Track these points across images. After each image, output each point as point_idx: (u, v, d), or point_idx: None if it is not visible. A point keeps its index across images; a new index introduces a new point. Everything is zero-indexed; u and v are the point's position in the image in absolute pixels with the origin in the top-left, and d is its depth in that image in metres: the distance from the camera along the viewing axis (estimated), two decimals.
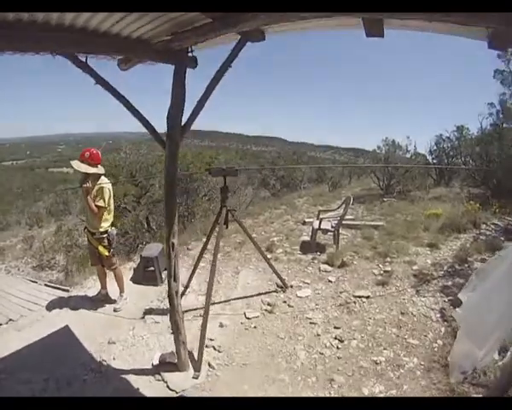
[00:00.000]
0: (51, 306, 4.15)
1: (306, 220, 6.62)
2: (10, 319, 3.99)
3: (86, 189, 3.60)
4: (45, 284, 5.15)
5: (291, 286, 4.21)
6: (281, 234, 5.98)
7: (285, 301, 3.93)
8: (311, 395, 2.62)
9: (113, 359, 3.16)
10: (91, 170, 3.59)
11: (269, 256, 4.66)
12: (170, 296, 2.79)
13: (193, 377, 2.87)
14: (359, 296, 3.89)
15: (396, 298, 3.83)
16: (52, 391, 2.78)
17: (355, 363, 2.93)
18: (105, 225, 3.73)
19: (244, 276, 4.56)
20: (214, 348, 3.23)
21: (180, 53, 2.38)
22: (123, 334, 3.52)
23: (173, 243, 2.69)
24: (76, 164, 3.61)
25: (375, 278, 4.28)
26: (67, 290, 4.63)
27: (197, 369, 2.93)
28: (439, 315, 3.45)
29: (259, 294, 4.09)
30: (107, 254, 3.74)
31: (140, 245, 7.03)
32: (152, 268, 4.47)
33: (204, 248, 4.00)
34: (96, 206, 3.58)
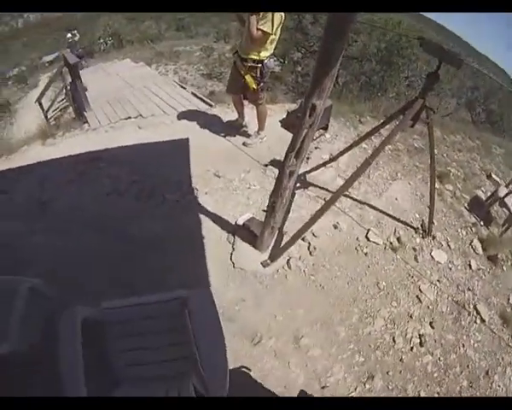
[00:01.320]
0: (185, 115, 4.22)
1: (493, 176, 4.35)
2: (140, 115, 4.29)
3: None
4: (192, 93, 5.27)
5: (433, 237, 2.94)
6: (461, 170, 4.11)
7: (414, 249, 2.80)
8: None
9: (205, 193, 3.01)
10: None
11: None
12: (280, 174, 2.06)
13: (261, 263, 2.45)
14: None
15: None
16: (128, 197, 2.93)
17: None
18: (263, 54, 3.06)
19: (397, 189, 3.38)
20: (308, 248, 2.63)
21: None
22: (234, 172, 3.27)
23: (314, 105, 1.72)
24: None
25: None
26: (210, 106, 4.60)
27: (272, 258, 2.47)
28: None
29: (397, 220, 3.01)
30: (254, 86, 3.16)
31: None
32: None
33: (376, 130, 2.87)
34: (258, 29, 2.84)
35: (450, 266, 2.79)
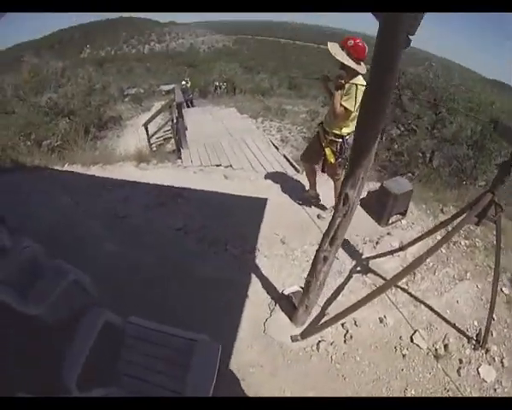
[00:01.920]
0: (271, 176, 4.58)
1: None
2: (230, 165, 4.85)
3: (339, 81, 2.97)
4: (283, 155, 5.76)
5: (486, 350, 2.44)
6: None
7: (460, 361, 2.38)
8: None
9: (265, 256, 3.16)
10: (351, 63, 2.87)
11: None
12: (315, 257, 2.14)
13: (291, 336, 2.48)
14: None
15: None
16: (193, 238, 3.35)
17: None
18: (345, 130, 3.17)
19: (462, 290, 2.98)
20: (344, 335, 2.53)
21: None
22: (299, 242, 3.33)
23: (347, 195, 1.82)
24: (334, 48, 2.92)
25: None
26: (297, 171, 4.92)
27: (304, 335, 2.47)
28: None
29: (451, 325, 2.65)
30: (332, 160, 3.30)
31: (403, 174, 5.82)
32: (385, 202, 3.64)
33: (446, 223, 2.69)
34: (341, 105, 2.96)
35: (496, 386, 2.28)
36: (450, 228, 2.56)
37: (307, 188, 4.06)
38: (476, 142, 5.83)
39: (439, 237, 3.30)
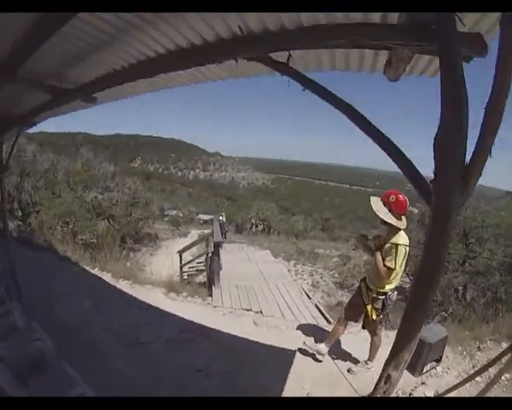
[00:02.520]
0: (301, 327, 4.41)
1: None
2: (260, 311, 4.78)
3: (378, 242, 3.05)
4: (315, 305, 5.64)
5: None
6: None
7: None
8: None
9: None
10: (392, 220, 2.94)
11: None
12: None
13: None
14: None
15: None
16: (213, 381, 3.16)
17: None
18: (388, 287, 3.13)
19: None
20: None
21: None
22: (327, 395, 3.05)
23: (389, 375, 1.62)
24: (377, 204, 3.01)
25: None
26: (329, 322, 4.77)
27: None
28: None
29: None
30: (374, 317, 3.20)
31: (436, 314, 5.50)
32: (420, 352, 3.36)
33: (489, 365, 2.29)
34: (384, 265, 2.96)
35: None
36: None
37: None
38: (508, 266, 5.50)
39: (478, 378, 3.01)
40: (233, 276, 7.18)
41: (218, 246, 6.81)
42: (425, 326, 3.65)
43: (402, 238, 2.96)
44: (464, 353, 3.83)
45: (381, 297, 3.13)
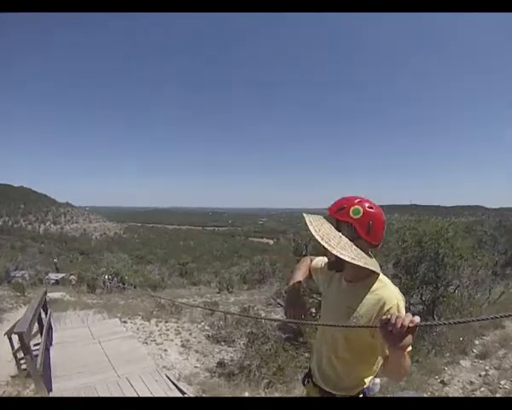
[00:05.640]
0: None
1: None
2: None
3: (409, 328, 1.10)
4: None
5: None
6: None
7: None
8: None
9: None
10: (360, 258, 1.30)
11: None
12: None
13: None
14: None
15: None
16: None
17: None
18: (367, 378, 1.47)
19: None
20: None
21: None
22: None
23: None
24: (320, 224, 1.37)
25: None
26: None
27: None
28: None
29: None
30: None
31: None
32: None
33: None
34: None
35: None
36: None
37: None
38: None
39: None
40: (68, 370, 4.66)
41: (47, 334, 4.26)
42: None
43: (395, 294, 1.32)
44: None
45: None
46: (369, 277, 1.37)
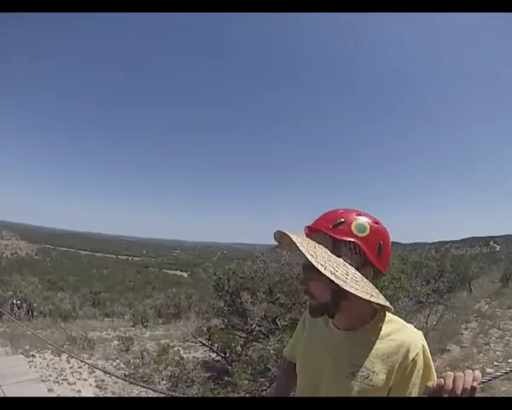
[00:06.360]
0: None
1: None
2: None
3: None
4: None
5: None
6: None
7: None
8: None
9: None
10: (367, 292, 0.84)
11: None
12: None
13: None
14: None
15: None
16: None
17: None
18: None
19: None
20: None
21: None
22: None
23: None
24: (313, 249, 0.87)
25: None
26: None
27: None
28: None
29: None
30: None
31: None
32: None
33: None
34: None
35: None
36: None
37: None
38: None
39: None
40: None
41: None
42: None
43: (419, 336, 0.93)
44: None
45: None
46: (372, 319, 0.96)
